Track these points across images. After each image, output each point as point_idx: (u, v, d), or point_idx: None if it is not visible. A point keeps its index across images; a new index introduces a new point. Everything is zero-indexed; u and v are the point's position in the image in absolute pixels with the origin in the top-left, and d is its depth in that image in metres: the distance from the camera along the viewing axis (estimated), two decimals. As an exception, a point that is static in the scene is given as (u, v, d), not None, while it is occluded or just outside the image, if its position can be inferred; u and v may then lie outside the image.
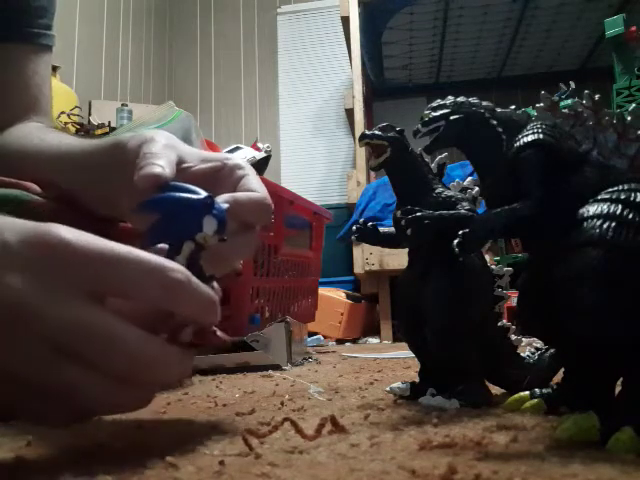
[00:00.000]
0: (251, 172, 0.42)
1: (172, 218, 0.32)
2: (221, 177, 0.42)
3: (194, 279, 0.30)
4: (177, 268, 0.29)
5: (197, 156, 0.43)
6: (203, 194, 0.33)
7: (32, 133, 0.57)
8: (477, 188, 0.49)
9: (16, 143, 0.57)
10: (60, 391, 0.27)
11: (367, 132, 0.49)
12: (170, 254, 0.31)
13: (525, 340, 0.51)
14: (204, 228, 0.32)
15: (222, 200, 0.36)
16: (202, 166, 0.42)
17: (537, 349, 0.53)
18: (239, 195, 0.39)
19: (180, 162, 0.41)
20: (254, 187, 0.41)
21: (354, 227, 0.53)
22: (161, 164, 0.36)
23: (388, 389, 0.51)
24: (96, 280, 0.27)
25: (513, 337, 0.51)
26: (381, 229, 0.53)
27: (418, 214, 0.44)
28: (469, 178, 0.51)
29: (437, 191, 0.49)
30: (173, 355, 0.29)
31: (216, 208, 0.33)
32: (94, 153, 0.48)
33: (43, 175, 0.50)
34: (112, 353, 0.27)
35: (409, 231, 0.44)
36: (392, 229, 0.52)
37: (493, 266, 0.51)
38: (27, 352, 0.26)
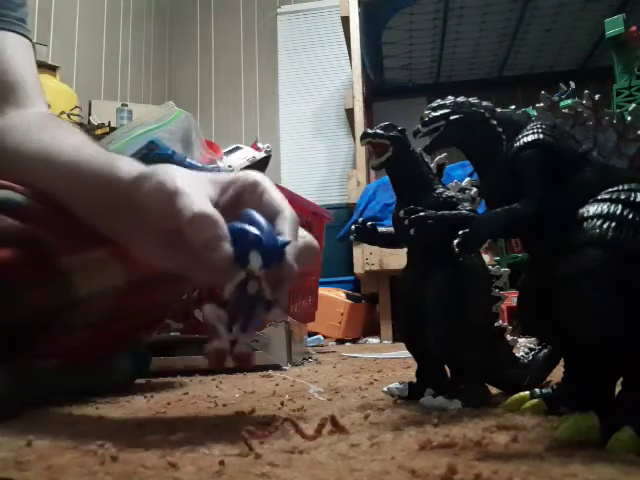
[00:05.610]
0: (269, 185, 0.42)
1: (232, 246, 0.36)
2: (244, 199, 0.42)
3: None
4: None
5: (218, 186, 0.42)
6: (256, 230, 0.36)
7: (30, 131, 0.54)
8: (475, 189, 0.49)
9: (12, 141, 0.53)
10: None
11: (369, 131, 0.49)
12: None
13: (522, 340, 0.51)
14: (250, 262, 0.35)
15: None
16: (226, 197, 0.42)
17: (530, 349, 0.53)
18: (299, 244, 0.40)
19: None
20: (277, 201, 0.41)
21: (352, 226, 0.53)
22: (224, 240, 0.36)
23: (385, 389, 0.51)
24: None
25: (509, 338, 0.51)
26: (380, 229, 0.53)
27: (422, 214, 0.44)
28: (467, 179, 0.51)
29: (438, 191, 0.49)
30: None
31: (265, 244, 0.36)
32: (88, 175, 0.46)
33: (35, 181, 0.49)
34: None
35: (412, 231, 0.44)
36: (391, 229, 0.52)
37: (490, 267, 0.51)
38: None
